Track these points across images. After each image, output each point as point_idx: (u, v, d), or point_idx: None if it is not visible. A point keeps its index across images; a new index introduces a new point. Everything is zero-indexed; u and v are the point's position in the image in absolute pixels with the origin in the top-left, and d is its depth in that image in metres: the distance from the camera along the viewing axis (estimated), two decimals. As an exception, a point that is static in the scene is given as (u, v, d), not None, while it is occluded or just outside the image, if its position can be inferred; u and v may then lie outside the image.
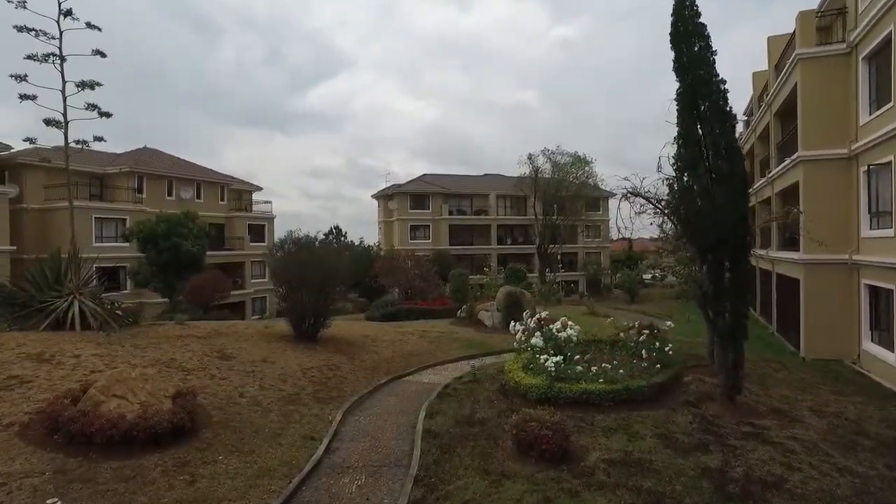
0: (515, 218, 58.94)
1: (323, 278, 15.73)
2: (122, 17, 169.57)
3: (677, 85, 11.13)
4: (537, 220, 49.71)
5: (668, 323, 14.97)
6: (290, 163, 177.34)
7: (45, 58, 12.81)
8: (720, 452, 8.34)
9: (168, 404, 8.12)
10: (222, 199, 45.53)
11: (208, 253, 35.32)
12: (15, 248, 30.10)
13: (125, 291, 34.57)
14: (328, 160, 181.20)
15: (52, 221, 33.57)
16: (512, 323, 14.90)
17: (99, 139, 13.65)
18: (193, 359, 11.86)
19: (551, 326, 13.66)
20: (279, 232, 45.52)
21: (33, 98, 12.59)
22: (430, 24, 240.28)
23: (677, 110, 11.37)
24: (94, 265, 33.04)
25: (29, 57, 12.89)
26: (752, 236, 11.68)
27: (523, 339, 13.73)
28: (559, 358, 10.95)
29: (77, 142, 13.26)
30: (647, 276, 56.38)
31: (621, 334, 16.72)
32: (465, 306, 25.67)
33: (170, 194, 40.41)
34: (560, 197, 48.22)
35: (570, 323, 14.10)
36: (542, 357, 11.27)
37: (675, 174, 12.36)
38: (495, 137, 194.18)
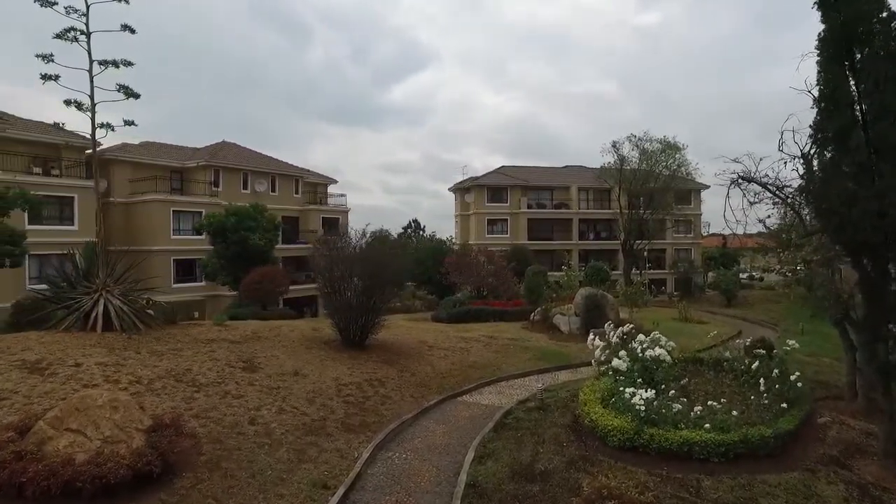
0: (598, 212, 55.02)
1: (373, 277, 13.97)
2: (216, 22, 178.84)
3: (819, 27, 8.38)
4: (622, 214, 45.57)
5: (792, 342, 11.76)
6: (374, 157, 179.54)
7: (71, 35, 11.76)
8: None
9: (140, 440, 6.45)
10: (297, 192, 45.27)
11: (280, 246, 34.92)
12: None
13: (200, 284, 34.98)
14: (410, 154, 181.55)
15: (136, 215, 34.58)
16: (591, 335, 12.46)
17: (130, 123, 12.55)
18: (213, 370, 10.34)
19: (637, 343, 11.03)
20: (356, 226, 44.90)
21: (56, 78, 11.62)
22: (512, 16, 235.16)
23: (818, 62, 8.58)
24: (172, 258, 34.65)
25: (58, 36, 11.97)
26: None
27: (603, 357, 11.26)
28: (650, 393, 8.35)
29: (102, 125, 12.21)
30: (744, 276, 50.76)
31: (727, 352, 13.70)
32: (539, 308, 23.30)
33: (245, 187, 40.51)
34: (648, 188, 43.85)
35: (661, 337, 11.41)
36: (626, 390, 8.71)
37: (808, 150, 9.52)
38: (577, 129, 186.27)
